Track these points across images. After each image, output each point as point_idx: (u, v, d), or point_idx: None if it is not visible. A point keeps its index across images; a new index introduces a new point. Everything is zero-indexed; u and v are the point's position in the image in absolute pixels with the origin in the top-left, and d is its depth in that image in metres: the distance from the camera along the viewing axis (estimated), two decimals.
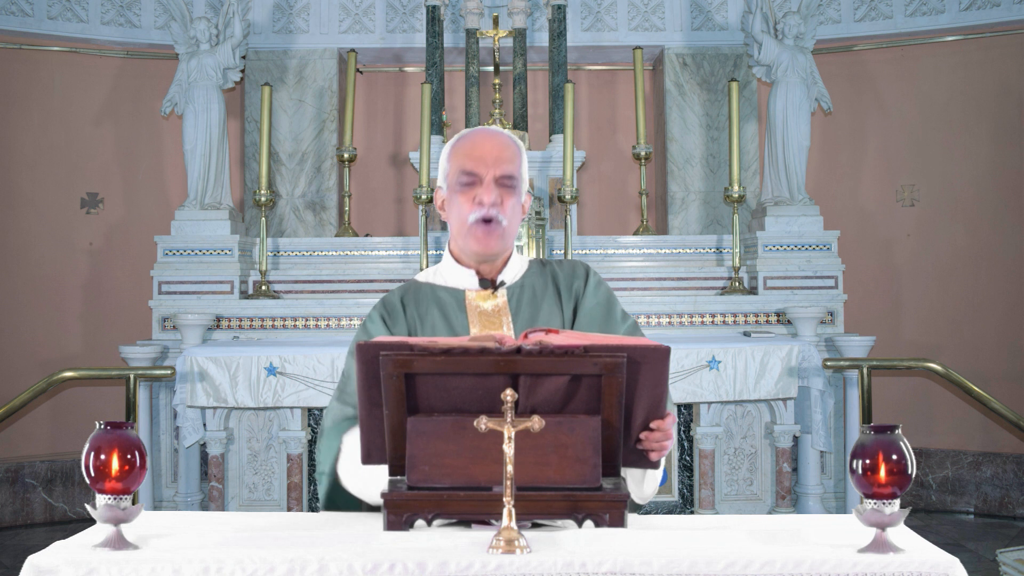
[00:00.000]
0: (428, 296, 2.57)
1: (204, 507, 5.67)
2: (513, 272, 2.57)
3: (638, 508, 2.35)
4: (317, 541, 1.89)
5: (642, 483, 2.30)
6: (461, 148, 2.49)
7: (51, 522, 6.50)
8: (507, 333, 2.45)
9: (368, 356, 2.03)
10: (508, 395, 1.84)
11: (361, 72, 7.30)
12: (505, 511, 1.81)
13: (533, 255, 6.26)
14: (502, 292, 2.54)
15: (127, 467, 1.85)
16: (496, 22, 6.99)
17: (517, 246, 5.34)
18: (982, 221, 6.89)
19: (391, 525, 2.00)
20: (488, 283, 2.53)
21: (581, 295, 2.55)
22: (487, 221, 2.44)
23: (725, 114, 6.79)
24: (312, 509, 5.54)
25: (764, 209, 6.49)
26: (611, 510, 2.00)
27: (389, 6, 7.22)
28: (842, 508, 5.87)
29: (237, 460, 5.71)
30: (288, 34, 7.16)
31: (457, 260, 2.57)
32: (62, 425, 6.70)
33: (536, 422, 1.85)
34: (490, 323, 2.49)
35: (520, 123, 6.79)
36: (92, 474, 1.85)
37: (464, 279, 2.55)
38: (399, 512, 1.99)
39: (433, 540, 1.90)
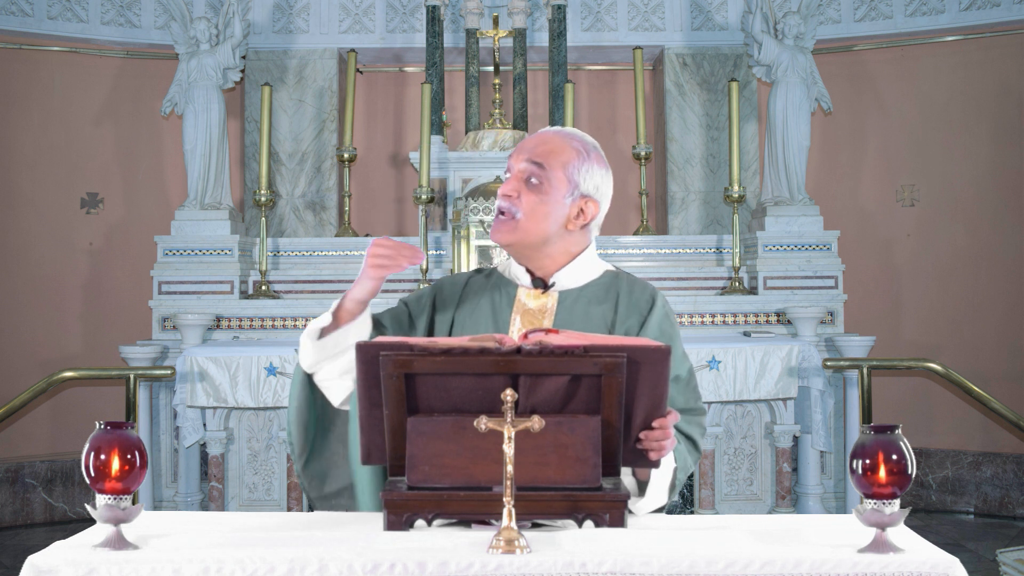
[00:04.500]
0: (494, 284, 2.53)
1: (204, 507, 5.67)
2: (574, 276, 2.47)
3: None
4: (317, 541, 1.89)
5: (639, 500, 2.28)
6: None
7: (51, 522, 6.50)
8: None
9: (368, 356, 2.03)
10: (508, 395, 1.84)
11: (361, 72, 7.30)
12: (505, 511, 1.81)
13: None
14: (553, 293, 2.47)
15: (127, 467, 1.85)
16: (496, 22, 6.99)
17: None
18: (982, 221, 6.89)
19: (391, 525, 2.00)
20: (540, 282, 2.47)
21: (636, 332, 2.44)
22: (501, 213, 2.42)
23: (725, 114, 6.79)
24: (311, 509, 5.54)
25: (764, 209, 6.49)
26: (611, 510, 2.00)
27: (389, 6, 7.22)
28: (842, 508, 5.87)
29: (237, 460, 5.71)
30: (288, 34, 7.16)
31: (514, 257, 2.53)
32: (62, 425, 6.70)
33: (536, 422, 1.85)
34: (532, 323, 2.43)
35: (520, 123, 6.79)
36: (92, 474, 1.85)
37: (521, 275, 2.50)
38: (399, 512, 2.00)
39: (433, 540, 1.90)
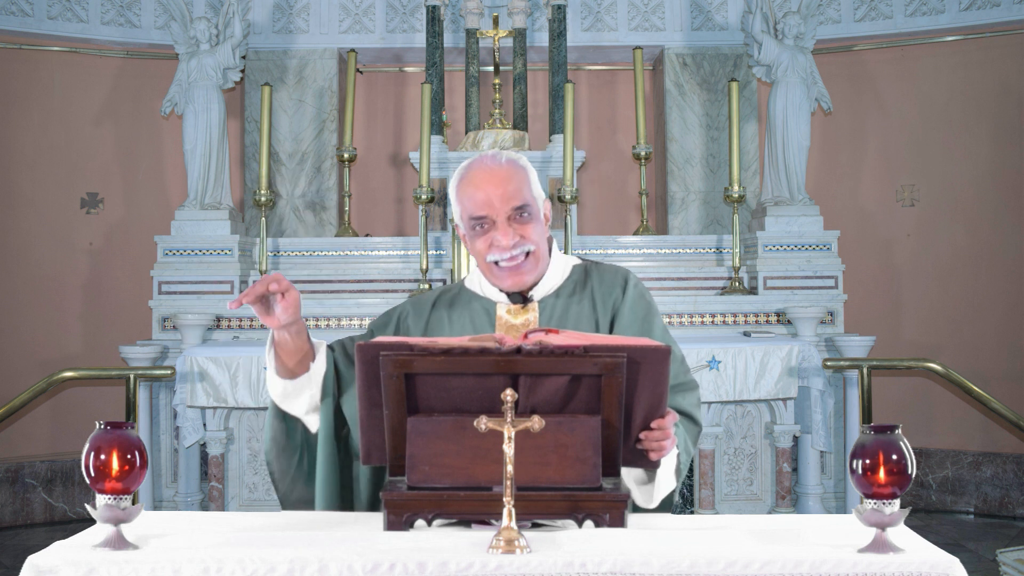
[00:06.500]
0: (465, 302, 2.53)
1: (204, 507, 5.67)
2: (550, 283, 2.51)
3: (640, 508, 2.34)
4: (317, 541, 1.89)
5: (650, 496, 2.28)
6: (465, 192, 2.42)
7: (51, 522, 6.50)
8: None
9: (368, 356, 2.03)
10: (508, 395, 1.84)
11: (361, 72, 7.30)
12: (505, 511, 1.81)
13: None
14: (534, 307, 2.48)
15: (127, 467, 1.85)
16: (496, 22, 6.99)
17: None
18: (982, 221, 6.89)
19: (391, 525, 2.00)
20: (518, 297, 2.48)
21: (619, 308, 2.48)
22: (512, 260, 2.40)
23: (725, 114, 6.79)
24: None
25: (764, 209, 6.49)
26: (611, 510, 2.00)
27: (389, 6, 7.22)
28: (842, 508, 5.86)
29: (237, 460, 5.71)
30: (288, 34, 7.16)
31: (487, 279, 2.52)
32: (62, 425, 6.70)
33: (536, 422, 1.85)
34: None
35: (520, 123, 6.79)
36: (92, 474, 1.85)
37: (495, 292, 2.51)
38: (399, 512, 2.00)
39: (433, 540, 1.90)
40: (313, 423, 2.46)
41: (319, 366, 2.41)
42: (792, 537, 1.94)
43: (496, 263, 2.42)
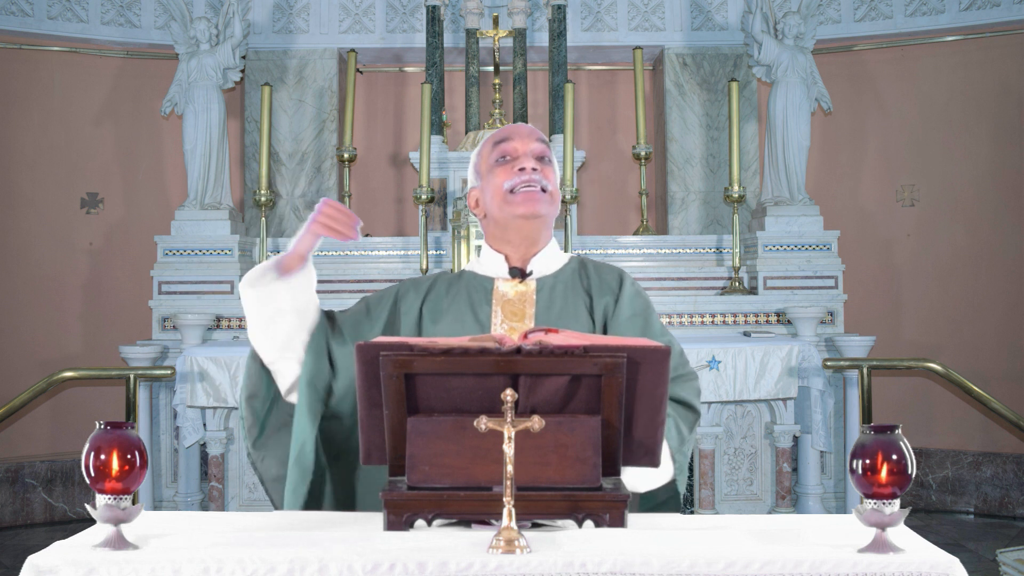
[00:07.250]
0: (463, 282, 2.56)
1: (204, 507, 5.67)
2: (547, 263, 2.54)
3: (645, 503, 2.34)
4: (317, 541, 1.89)
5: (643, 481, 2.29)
6: (493, 137, 2.54)
7: (51, 522, 6.50)
8: (529, 324, 2.45)
9: (368, 356, 2.03)
10: (508, 395, 1.84)
11: (361, 72, 7.30)
12: (505, 511, 1.81)
13: None
14: (531, 281, 2.51)
15: (127, 467, 1.84)
16: (496, 22, 6.99)
17: None
18: (982, 221, 6.89)
19: (391, 525, 2.00)
20: (517, 271, 2.51)
21: (613, 308, 2.50)
22: (530, 184, 2.43)
23: (725, 114, 6.79)
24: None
25: (764, 209, 6.49)
26: (611, 510, 2.00)
27: (389, 6, 7.22)
28: (842, 508, 5.87)
29: (237, 460, 5.71)
30: (288, 34, 7.16)
31: (491, 247, 2.55)
32: (62, 425, 6.70)
33: (536, 422, 1.85)
34: (513, 313, 2.47)
35: (520, 123, 6.78)
36: (92, 474, 1.85)
37: (496, 266, 2.54)
38: (399, 512, 1.99)
39: (433, 540, 1.90)
40: (289, 372, 2.45)
41: (310, 270, 2.46)
42: (792, 537, 1.94)
43: (512, 190, 2.44)
